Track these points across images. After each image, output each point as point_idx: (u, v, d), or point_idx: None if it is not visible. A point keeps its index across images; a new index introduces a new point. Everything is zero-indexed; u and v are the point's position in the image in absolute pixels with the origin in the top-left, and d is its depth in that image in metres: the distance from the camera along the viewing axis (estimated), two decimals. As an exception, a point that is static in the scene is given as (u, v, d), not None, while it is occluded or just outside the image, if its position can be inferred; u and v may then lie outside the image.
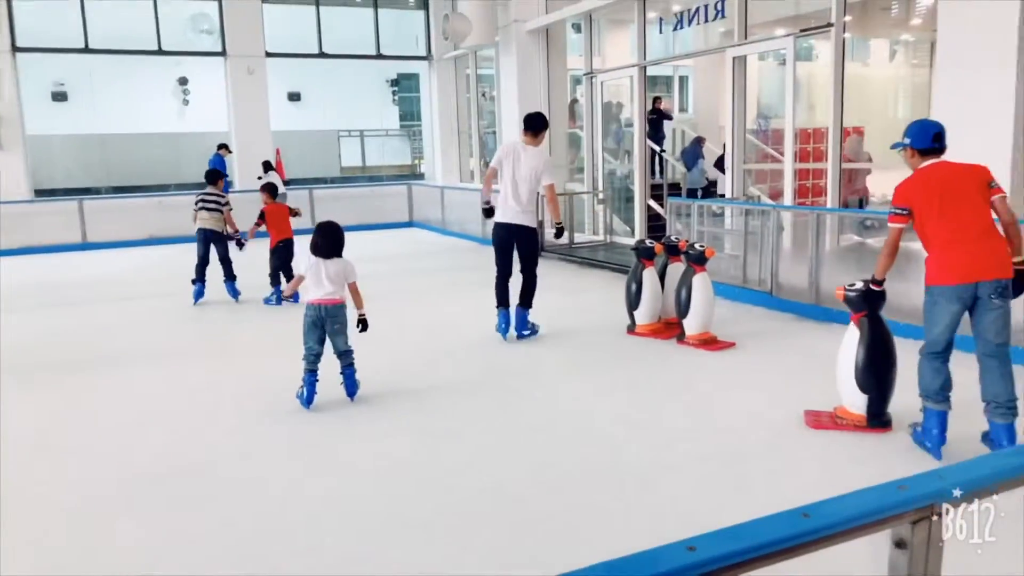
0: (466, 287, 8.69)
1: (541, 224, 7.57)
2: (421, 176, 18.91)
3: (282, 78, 17.13)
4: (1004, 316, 3.64)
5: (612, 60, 12.75)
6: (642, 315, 6.27)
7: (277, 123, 15.93)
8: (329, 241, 4.80)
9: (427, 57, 17.09)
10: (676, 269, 6.23)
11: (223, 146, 13.87)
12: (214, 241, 8.04)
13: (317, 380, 4.74)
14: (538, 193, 6.33)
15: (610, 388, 5.16)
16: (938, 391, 3.75)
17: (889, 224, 3.87)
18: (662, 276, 6.36)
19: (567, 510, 3.36)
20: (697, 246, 5.94)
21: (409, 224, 15.65)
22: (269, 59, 15.42)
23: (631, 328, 6.35)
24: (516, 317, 6.24)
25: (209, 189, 8.16)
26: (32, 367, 6.02)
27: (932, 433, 3.75)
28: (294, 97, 18.96)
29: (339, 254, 4.81)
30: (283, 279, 7.90)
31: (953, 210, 3.65)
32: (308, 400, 4.74)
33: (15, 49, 13.73)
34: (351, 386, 4.85)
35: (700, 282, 5.85)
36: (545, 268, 9.14)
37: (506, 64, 13.29)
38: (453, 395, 5.07)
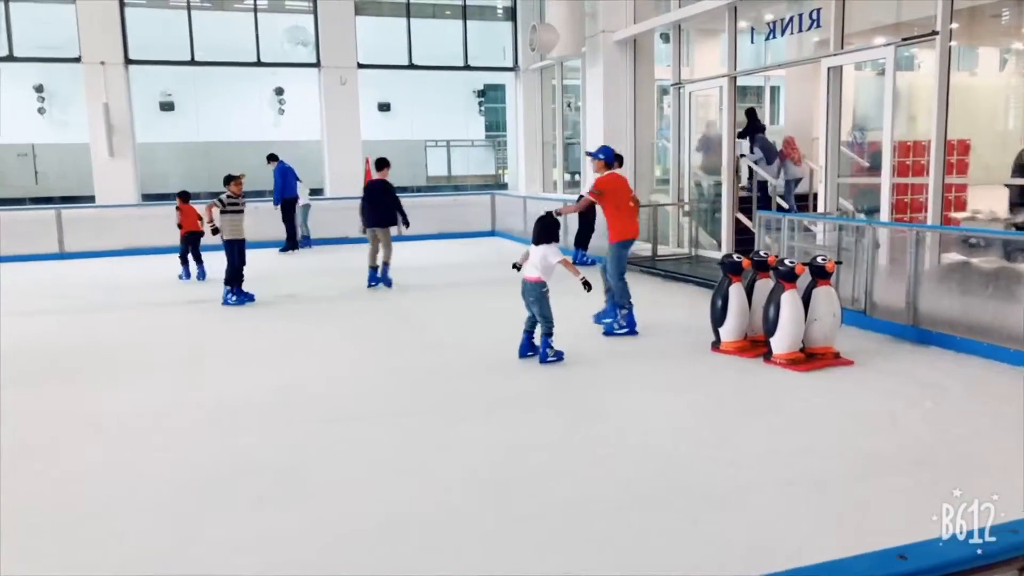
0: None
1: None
2: (504, 186, 19.04)
3: (373, 89, 17.57)
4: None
5: (701, 70, 12.54)
6: (728, 331, 6.11)
7: (367, 133, 16.36)
8: (535, 231, 5.94)
9: (514, 68, 17.22)
10: (764, 285, 6.05)
11: (273, 156, 13.91)
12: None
13: (529, 340, 6.01)
14: None
15: (691, 406, 5.05)
16: (630, 298, 6.79)
17: (587, 195, 6.95)
18: (749, 292, 6.19)
19: (641, 529, 3.29)
20: (787, 262, 5.76)
21: (492, 233, 15.78)
22: (361, 70, 15.86)
23: (716, 345, 6.20)
24: None
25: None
26: (123, 362, 6.37)
27: (632, 321, 6.79)
28: (384, 107, 19.41)
29: (545, 241, 5.84)
30: (196, 261, 10.65)
31: (625, 199, 6.82)
32: (519, 353, 6.00)
33: (128, 61, 14.58)
34: (543, 353, 5.87)
35: (789, 299, 5.66)
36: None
37: (592, 75, 13.25)
38: (529, 406, 5.06)
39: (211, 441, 4.52)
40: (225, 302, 8.63)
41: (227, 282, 8.65)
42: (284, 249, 13.57)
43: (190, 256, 10.69)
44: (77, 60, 14.25)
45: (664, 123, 13.43)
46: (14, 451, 4.34)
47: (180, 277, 10.60)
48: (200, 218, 10.32)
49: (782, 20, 9.80)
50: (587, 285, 5.81)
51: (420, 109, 19.69)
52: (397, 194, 9.54)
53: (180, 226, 10.74)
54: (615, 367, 5.92)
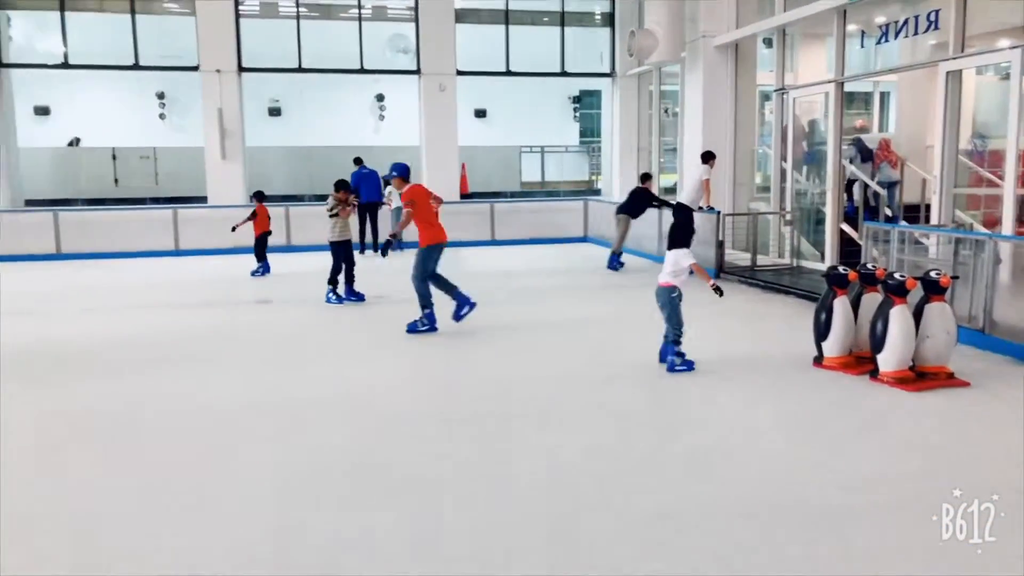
0: (633, 306, 8.45)
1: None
2: (597, 192, 18.95)
3: (470, 95, 17.82)
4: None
5: (805, 75, 12.13)
6: (831, 347, 5.87)
7: (463, 138, 16.59)
8: (669, 235, 5.90)
9: (611, 74, 17.13)
10: (872, 299, 5.79)
11: (358, 160, 14.21)
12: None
13: (663, 345, 5.94)
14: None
15: (792, 422, 4.88)
16: (431, 300, 7.30)
17: (406, 210, 7.34)
18: (855, 306, 5.93)
19: (748, 547, 3.19)
20: (897, 275, 5.49)
21: (584, 239, 15.71)
22: (459, 77, 16.11)
23: (818, 360, 5.97)
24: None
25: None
26: (232, 355, 6.68)
27: (432, 319, 7.31)
28: (480, 114, 19.68)
29: (677, 246, 5.82)
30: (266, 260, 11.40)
31: (429, 206, 7.42)
32: (660, 357, 5.97)
33: (241, 69, 15.32)
34: (670, 362, 5.81)
35: (899, 315, 5.39)
36: (724, 290, 8.78)
37: (692, 80, 13.03)
38: (622, 418, 4.99)
39: (324, 437, 4.67)
40: (327, 300, 8.90)
41: (330, 281, 8.92)
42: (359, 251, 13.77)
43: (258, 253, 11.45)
44: (195, 68, 15.08)
45: (765, 129, 13.08)
46: (133, 433, 4.64)
47: (252, 273, 11.27)
48: (269, 217, 11.56)
49: (895, 23, 9.38)
50: (718, 290, 5.74)
51: (515, 115, 19.85)
52: (651, 202, 11.21)
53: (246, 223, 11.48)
54: (709, 382, 5.75)
